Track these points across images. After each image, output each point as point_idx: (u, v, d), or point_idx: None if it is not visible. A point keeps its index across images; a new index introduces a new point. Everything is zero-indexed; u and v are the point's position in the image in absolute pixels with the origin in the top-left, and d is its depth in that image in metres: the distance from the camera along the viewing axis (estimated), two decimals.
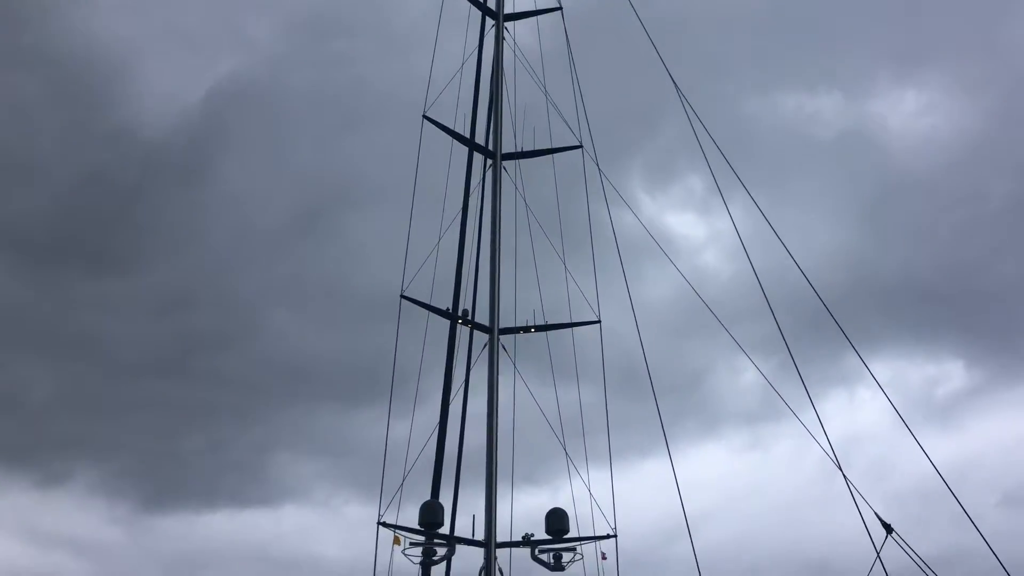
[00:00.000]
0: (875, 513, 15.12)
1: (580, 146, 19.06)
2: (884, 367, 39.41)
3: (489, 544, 16.59)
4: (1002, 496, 36.69)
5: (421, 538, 16.42)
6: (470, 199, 19.05)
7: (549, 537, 16.73)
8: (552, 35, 19.98)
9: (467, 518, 16.95)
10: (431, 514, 16.58)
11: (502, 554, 16.75)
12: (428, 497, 17.23)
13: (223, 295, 40.72)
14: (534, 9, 20.25)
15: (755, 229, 18.38)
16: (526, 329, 18.20)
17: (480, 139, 19.34)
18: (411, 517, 16.53)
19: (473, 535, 16.69)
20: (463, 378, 18.10)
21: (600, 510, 16.74)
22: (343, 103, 41.02)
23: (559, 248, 18.78)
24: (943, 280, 41.43)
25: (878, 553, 14.67)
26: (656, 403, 16.55)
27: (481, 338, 18.10)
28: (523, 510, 17.35)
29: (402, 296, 17.60)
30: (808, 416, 16.08)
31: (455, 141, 19.01)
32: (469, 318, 18.27)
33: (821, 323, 17.06)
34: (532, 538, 16.76)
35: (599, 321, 18.08)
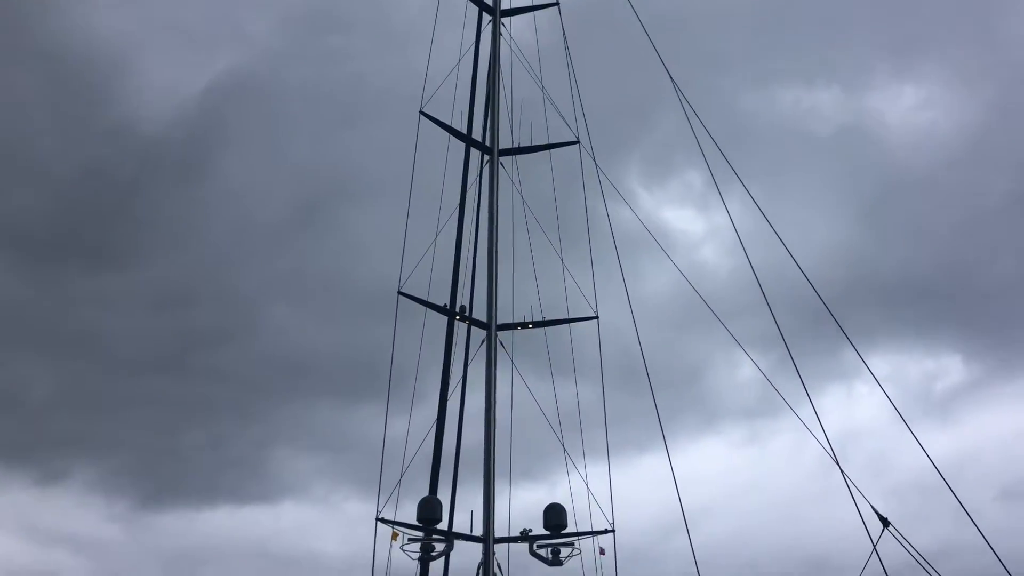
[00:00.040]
0: (872, 507, 15.16)
1: (577, 142, 19.07)
2: (882, 362, 39.51)
3: (487, 540, 16.61)
4: (1000, 490, 36.74)
5: (419, 534, 16.46)
6: (467, 195, 19.06)
7: (547, 532, 16.77)
8: (549, 30, 19.98)
9: (465, 514, 17.01)
10: (429, 510, 16.62)
11: (500, 550, 16.78)
12: (426, 493, 17.27)
13: (222, 291, 40.76)
14: (531, 4, 20.23)
15: (753, 224, 18.39)
16: (524, 325, 18.20)
17: (477, 135, 19.35)
18: (410, 513, 16.58)
19: (471, 531, 16.73)
20: (461, 374, 18.13)
21: (598, 505, 16.79)
22: (341, 98, 41.04)
23: (556, 244, 18.81)
24: (942, 276, 41.49)
25: (875, 546, 14.71)
26: (654, 398, 16.58)
27: (479, 334, 18.12)
28: (521, 506, 17.41)
29: (399, 292, 17.61)
30: (806, 411, 16.12)
31: (452, 137, 19.01)
32: (467, 314, 18.29)
33: (819, 318, 17.09)
34: (530, 533, 16.80)
35: (597, 317, 18.10)
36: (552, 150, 19.26)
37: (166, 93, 42.89)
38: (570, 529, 16.78)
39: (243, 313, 40.96)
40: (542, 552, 16.66)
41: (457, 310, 18.32)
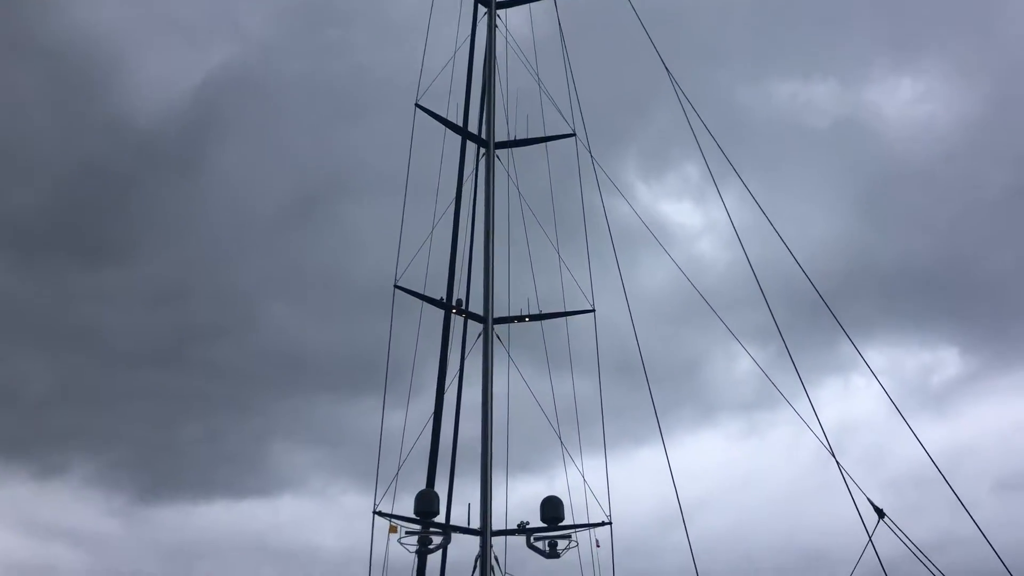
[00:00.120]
0: (867, 498, 15.20)
1: (573, 134, 19.05)
2: (879, 354, 39.54)
3: (484, 532, 16.64)
4: (995, 482, 36.85)
5: (417, 527, 16.47)
6: (464, 188, 19.04)
7: (544, 525, 16.80)
8: (545, 23, 19.95)
9: (462, 507, 17.04)
10: (427, 503, 16.63)
11: (497, 542, 16.82)
12: (424, 486, 17.28)
13: (219, 285, 40.73)
14: None
15: (750, 217, 18.39)
16: (520, 318, 18.21)
17: (473, 128, 19.31)
18: (407, 506, 16.60)
19: (468, 523, 16.75)
20: (458, 367, 18.14)
21: (595, 498, 16.82)
22: (338, 92, 40.98)
23: (553, 237, 18.80)
24: (939, 268, 41.53)
25: (870, 537, 14.74)
26: (650, 392, 16.61)
27: (475, 327, 18.11)
28: (518, 498, 17.43)
29: (396, 286, 17.61)
30: (803, 404, 16.14)
31: (448, 130, 18.98)
32: (463, 308, 18.28)
33: (816, 311, 17.10)
34: (527, 526, 16.83)
35: (593, 310, 18.11)
36: (548, 143, 19.25)
37: (162, 87, 42.81)
38: (567, 522, 16.82)
39: (240, 307, 40.97)
40: (539, 545, 16.70)
41: (454, 303, 18.31)
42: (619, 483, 16.93)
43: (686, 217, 41.29)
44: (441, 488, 17.39)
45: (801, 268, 17.12)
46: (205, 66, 43.77)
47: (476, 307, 18.25)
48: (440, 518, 16.82)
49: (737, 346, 18.01)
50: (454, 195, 18.91)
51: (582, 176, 18.86)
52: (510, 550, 16.94)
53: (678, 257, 18.87)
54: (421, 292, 17.89)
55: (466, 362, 18.11)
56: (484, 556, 16.56)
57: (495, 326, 17.97)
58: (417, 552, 16.56)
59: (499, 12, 20.09)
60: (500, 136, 19.24)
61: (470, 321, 18.23)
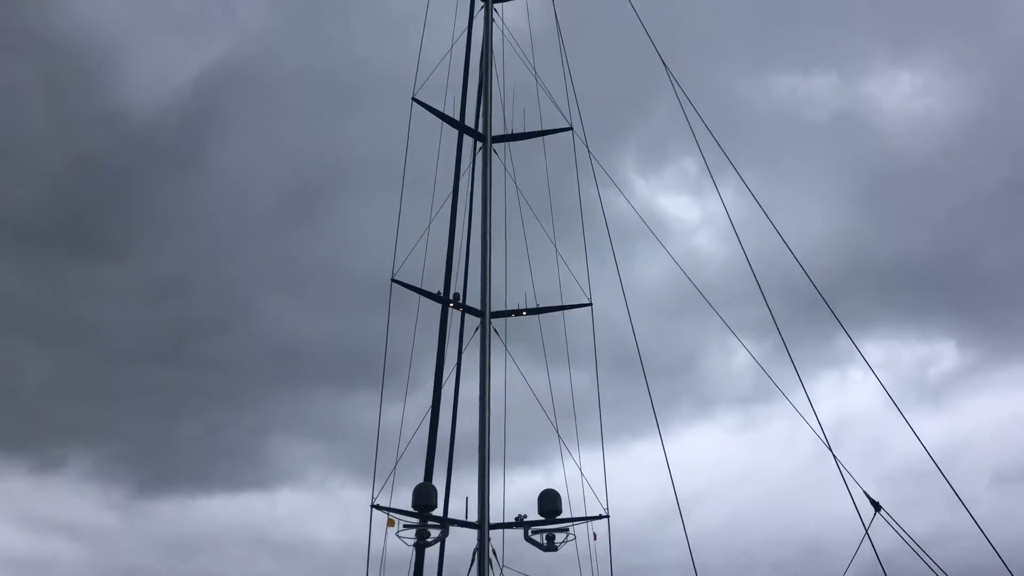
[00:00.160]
0: (863, 491, 15.22)
1: (570, 128, 19.02)
2: (877, 348, 39.67)
3: (482, 525, 16.66)
4: (993, 476, 36.95)
5: (415, 520, 16.49)
6: (460, 182, 19.02)
7: (542, 518, 16.81)
8: (542, 17, 19.90)
9: (460, 500, 17.04)
10: (424, 496, 16.64)
11: (495, 535, 16.84)
12: (422, 480, 17.29)
13: (217, 280, 40.75)
14: None
15: (748, 211, 18.39)
16: (517, 312, 18.20)
17: (471, 122, 19.28)
18: (405, 500, 16.62)
19: (466, 517, 16.77)
20: (455, 361, 18.13)
21: (592, 492, 16.83)
22: (335, 85, 40.92)
23: (550, 231, 18.79)
24: (937, 262, 41.60)
25: (866, 530, 14.78)
26: (647, 385, 16.63)
27: (473, 321, 18.11)
28: (516, 492, 17.45)
29: (393, 280, 17.61)
30: (800, 398, 16.16)
31: (445, 124, 18.95)
32: (460, 301, 18.28)
33: (814, 305, 17.12)
34: (525, 520, 16.85)
35: (590, 304, 18.11)
36: (545, 137, 19.23)
37: (160, 82, 42.78)
38: (565, 515, 16.83)
39: (238, 302, 40.99)
40: (537, 538, 16.72)
41: (451, 297, 18.31)
42: (616, 477, 16.98)
43: (684, 211, 41.39)
44: (439, 482, 17.42)
45: (798, 262, 17.14)
46: (203, 60, 43.77)
47: (473, 301, 18.26)
48: (438, 511, 16.85)
49: (734, 340, 18.04)
50: (451, 189, 18.90)
51: (579, 170, 18.86)
52: (508, 543, 16.99)
53: (675, 251, 18.90)
54: (418, 286, 17.89)
55: (464, 356, 18.12)
56: (482, 549, 16.58)
57: (492, 320, 17.98)
58: (415, 545, 16.59)
59: (496, 6, 20.03)
60: (497, 130, 19.23)
61: (467, 315, 18.23)
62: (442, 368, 18.02)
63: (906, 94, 45.01)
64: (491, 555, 16.68)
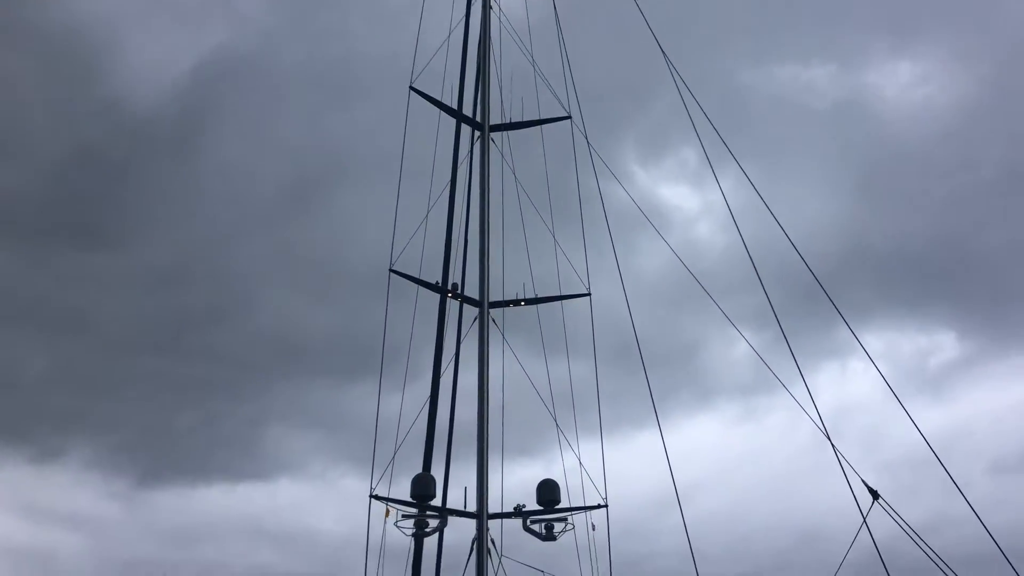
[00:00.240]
0: (862, 480, 15.23)
1: (568, 117, 18.94)
2: (876, 338, 39.70)
3: (481, 515, 16.68)
4: (990, 464, 37.03)
5: (413, 510, 16.51)
6: (459, 171, 18.95)
7: (540, 508, 16.82)
8: (540, 5, 19.79)
9: (459, 490, 17.05)
10: (423, 486, 16.65)
11: (494, 525, 16.87)
12: (420, 470, 17.30)
13: (216, 270, 40.73)
14: None
15: (748, 201, 18.33)
16: (516, 302, 18.16)
17: (468, 111, 19.19)
18: (404, 490, 16.62)
19: (465, 507, 16.78)
20: (454, 351, 18.10)
21: (591, 481, 16.84)
22: (333, 75, 40.82)
23: (549, 221, 18.74)
24: (936, 250, 41.59)
25: (864, 518, 14.79)
26: (646, 376, 16.59)
27: (471, 311, 18.07)
28: (515, 482, 17.46)
29: (391, 270, 17.56)
30: (799, 388, 16.14)
31: (443, 113, 18.87)
32: (459, 291, 18.24)
33: (814, 295, 17.08)
34: (524, 509, 16.86)
35: (589, 294, 18.07)
36: (544, 126, 19.15)
37: (157, 71, 42.66)
38: (563, 505, 16.84)
39: (237, 292, 40.97)
40: (535, 527, 16.73)
41: (449, 287, 18.26)
42: (615, 466, 16.98)
43: (683, 200, 41.35)
44: (437, 472, 17.42)
45: (798, 252, 17.08)
46: (200, 50, 43.62)
47: (472, 291, 18.21)
48: (436, 501, 16.85)
49: (734, 330, 18.01)
50: (449, 179, 18.83)
51: (578, 159, 18.78)
52: (506, 533, 17.00)
53: (675, 241, 18.84)
54: (417, 276, 17.85)
55: (462, 346, 18.09)
56: (480, 539, 16.60)
57: (491, 310, 17.94)
58: (414, 535, 16.60)
59: None
60: (495, 119, 19.15)
61: (466, 305, 18.19)
62: (440, 358, 18.00)
63: (906, 83, 45.01)
64: (490, 545, 16.71)
